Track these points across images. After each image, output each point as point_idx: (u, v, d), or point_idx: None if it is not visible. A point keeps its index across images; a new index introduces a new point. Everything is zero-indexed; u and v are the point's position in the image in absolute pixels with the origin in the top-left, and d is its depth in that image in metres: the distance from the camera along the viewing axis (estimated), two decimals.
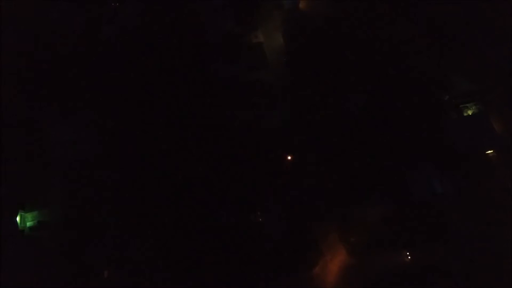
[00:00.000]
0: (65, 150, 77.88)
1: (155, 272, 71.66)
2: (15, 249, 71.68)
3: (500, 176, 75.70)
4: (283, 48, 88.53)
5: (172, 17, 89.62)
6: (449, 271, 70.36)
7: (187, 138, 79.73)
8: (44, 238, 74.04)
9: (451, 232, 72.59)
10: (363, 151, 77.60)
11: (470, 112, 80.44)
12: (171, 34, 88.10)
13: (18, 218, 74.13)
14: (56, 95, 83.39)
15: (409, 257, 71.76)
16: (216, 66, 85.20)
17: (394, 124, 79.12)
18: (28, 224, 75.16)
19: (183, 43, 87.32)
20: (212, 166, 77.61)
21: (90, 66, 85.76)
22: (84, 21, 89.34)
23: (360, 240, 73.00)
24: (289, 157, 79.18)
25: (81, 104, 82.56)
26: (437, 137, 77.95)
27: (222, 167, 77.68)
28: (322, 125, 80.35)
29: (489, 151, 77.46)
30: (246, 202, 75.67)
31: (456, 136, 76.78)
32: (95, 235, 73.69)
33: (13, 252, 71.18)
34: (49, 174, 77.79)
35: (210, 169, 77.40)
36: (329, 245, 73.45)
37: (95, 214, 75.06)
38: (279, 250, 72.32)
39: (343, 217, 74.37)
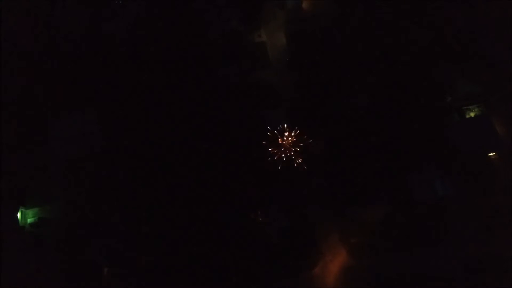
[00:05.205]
0: (67, 147, 77.92)
1: (155, 271, 71.68)
2: (16, 245, 71.78)
3: (502, 178, 75.49)
4: (286, 47, 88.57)
5: (175, 16, 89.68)
6: (450, 273, 70.23)
7: (189, 137, 79.72)
8: (44, 234, 74.17)
9: (452, 233, 72.44)
10: (365, 152, 77.47)
11: (472, 114, 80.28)
12: (174, 32, 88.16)
13: (19, 215, 74.22)
14: (59, 92, 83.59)
15: None
16: (219, 64, 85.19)
17: (397, 126, 78.93)
18: (29, 220, 75.33)
19: (186, 42, 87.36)
20: (213, 165, 77.59)
21: (93, 62, 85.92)
22: (87, 18, 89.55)
23: (361, 241, 72.96)
24: (290, 157, 79.10)
25: (83, 100, 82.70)
26: (439, 139, 77.72)
27: (223, 166, 77.71)
28: (324, 125, 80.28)
29: (491, 153, 77.26)
30: (246, 202, 75.65)
31: (458, 138, 76.50)
32: (95, 233, 73.75)
33: (14, 249, 71.27)
34: (50, 170, 77.96)
35: (210, 168, 77.40)
36: (330, 246, 73.42)
37: (96, 211, 75.12)
38: (279, 250, 72.30)
39: (343, 217, 74.28)
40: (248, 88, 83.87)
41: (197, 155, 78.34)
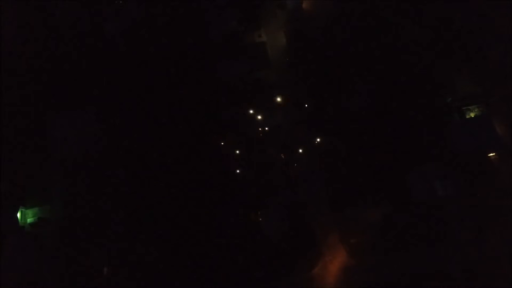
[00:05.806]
0: (67, 146, 77.98)
1: (155, 270, 71.72)
2: (16, 245, 71.75)
3: (502, 178, 75.45)
4: (286, 47, 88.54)
5: (175, 16, 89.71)
6: (449, 273, 70.25)
7: (189, 137, 79.76)
8: (44, 234, 74.15)
9: (452, 233, 72.42)
10: (365, 152, 77.51)
11: (472, 115, 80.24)
12: (175, 32, 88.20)
13: (18, 214, 74.25)
14: (59, 92, 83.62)
15: None
16: (218, 65, 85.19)
17: (397, 126, 78.98)
18: (29, 220, 75.30)
19: (186, 42, 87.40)
20: (213, 165, 77.62)
21: (93, 62, 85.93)
22: (87, 19, 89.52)
23: (360, 241, 72.96)
24: (289, 157, 79.12)
25: (84, 100, 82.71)
26: (439, 139, 77.74)
27: (222, 166, 77.69)
28: (324, 125, 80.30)
29: (491, 154, 77.23)
30: (246, 202, 75.65)
31: (459, 138, 76.49)
32: (95, 232, 73.79)
33: (14, 248, 71.27)
34: (50, 170, 77.94)
35: (210, 168, 77.39)
36: (329, 246, 73.43)
37: (96, 211, 75.14)
38: (279, 250, 72.34)
39: (343, 218, 74.28)
40: (248, 88, 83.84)
41: (197, 154, 78.37)
